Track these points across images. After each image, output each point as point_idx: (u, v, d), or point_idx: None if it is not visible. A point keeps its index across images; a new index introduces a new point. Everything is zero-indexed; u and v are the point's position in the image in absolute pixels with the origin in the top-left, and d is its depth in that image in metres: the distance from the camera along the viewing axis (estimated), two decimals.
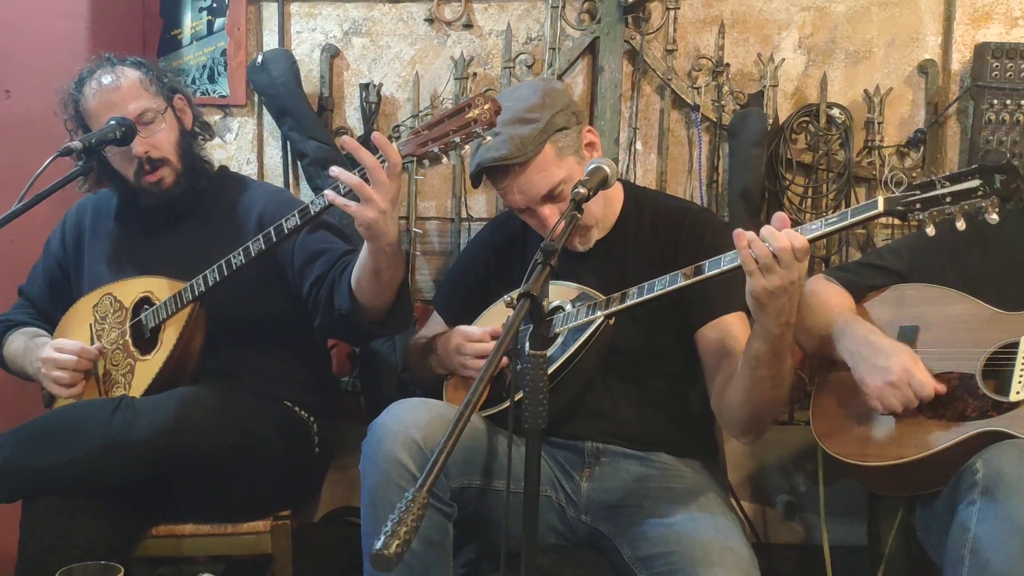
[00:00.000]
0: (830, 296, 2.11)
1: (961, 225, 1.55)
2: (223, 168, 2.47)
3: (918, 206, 1.58)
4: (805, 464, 2.84)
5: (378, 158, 1.83)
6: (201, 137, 2.35)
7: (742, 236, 1.66)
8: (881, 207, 1.61)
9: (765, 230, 1.66)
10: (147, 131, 2.19)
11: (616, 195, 2.15)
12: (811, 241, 1.65)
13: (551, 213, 2.00)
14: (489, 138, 1.81)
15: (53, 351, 2.22)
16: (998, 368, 1.87)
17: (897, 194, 1.60)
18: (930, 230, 1.58)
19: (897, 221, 1.66)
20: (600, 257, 2.11)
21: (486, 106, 1.78)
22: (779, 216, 1.68)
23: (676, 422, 2.06)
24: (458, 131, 1.81)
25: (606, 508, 1.96)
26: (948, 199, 1.55)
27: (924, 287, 2.06)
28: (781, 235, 1.63)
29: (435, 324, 2.35)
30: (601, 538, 1.95)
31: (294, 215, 2.00)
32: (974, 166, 1.54)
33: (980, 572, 1.63)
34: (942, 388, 1.85)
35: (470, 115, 1.79)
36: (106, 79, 2.20)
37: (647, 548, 1.81)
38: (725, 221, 2.64)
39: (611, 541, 1.91)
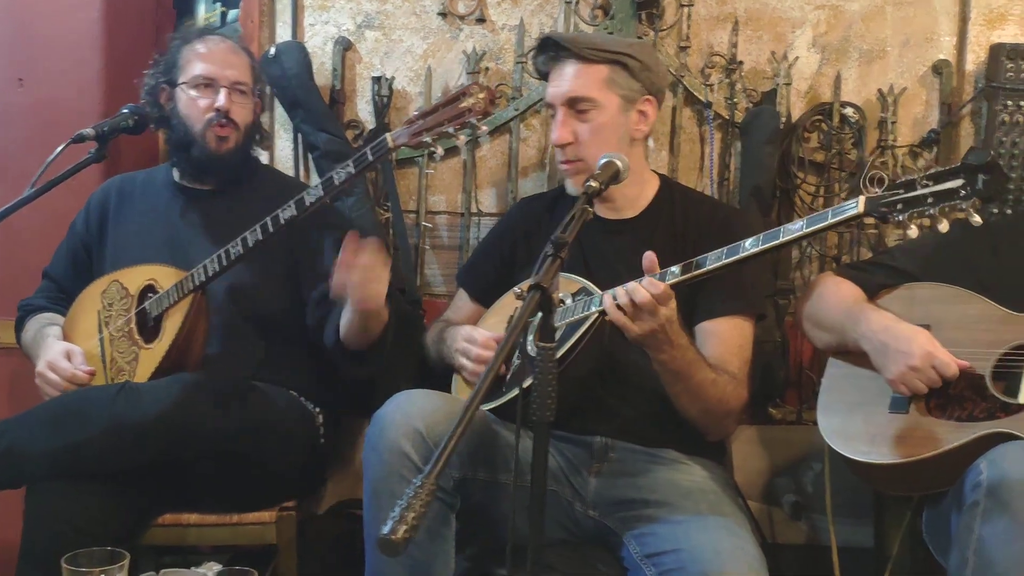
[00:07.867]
0: (841, 289, 2.10)
1: (944, 227, 1.52)
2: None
3: (899, 207, 1.55)
4: (812, 464, 2.82)
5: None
6: (257, 135, 2.46)
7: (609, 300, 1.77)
8: (861, 208, 1.57)
9: (630, 286, 1.74)
10: (237, 97, 2.28)
11: (651, 179, 2.19)
12: (779, 247, 1.67)
13: (565, 122, 2.06)
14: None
15: (47, 369, 2.20)
16: (1008, 370, 1.86)
17: (879, 193, 1.57)
18: (912, 231, 1.55)
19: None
20: (628, 236, 2.12)
21: (481, 95, 1.78)
22: (648, 257, 1.76)
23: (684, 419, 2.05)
24: (452, 121, 1.81)
25: (614, 504, 1.95)
26: (930, 199, 1.52)
27: (936, 286, 2.05)
28: (643, 289, 1.71)
29: (459, 301, 2.37)
30: (608, 533, 1.95)
31: (290, 205, 2.02)
32: (957, 164, 1.51)
33: (984, 573, 1.63)
34: (965, 364, 1.85)
35: (464, 104, 1.79)
36: (225, 44, 2.33)
37: (656, 545, 1.81)
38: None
39: (618, 537, 1.91)
